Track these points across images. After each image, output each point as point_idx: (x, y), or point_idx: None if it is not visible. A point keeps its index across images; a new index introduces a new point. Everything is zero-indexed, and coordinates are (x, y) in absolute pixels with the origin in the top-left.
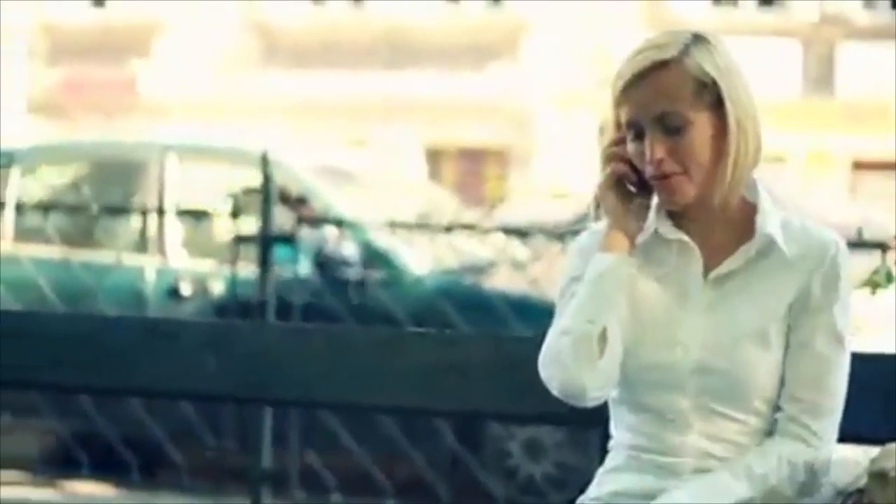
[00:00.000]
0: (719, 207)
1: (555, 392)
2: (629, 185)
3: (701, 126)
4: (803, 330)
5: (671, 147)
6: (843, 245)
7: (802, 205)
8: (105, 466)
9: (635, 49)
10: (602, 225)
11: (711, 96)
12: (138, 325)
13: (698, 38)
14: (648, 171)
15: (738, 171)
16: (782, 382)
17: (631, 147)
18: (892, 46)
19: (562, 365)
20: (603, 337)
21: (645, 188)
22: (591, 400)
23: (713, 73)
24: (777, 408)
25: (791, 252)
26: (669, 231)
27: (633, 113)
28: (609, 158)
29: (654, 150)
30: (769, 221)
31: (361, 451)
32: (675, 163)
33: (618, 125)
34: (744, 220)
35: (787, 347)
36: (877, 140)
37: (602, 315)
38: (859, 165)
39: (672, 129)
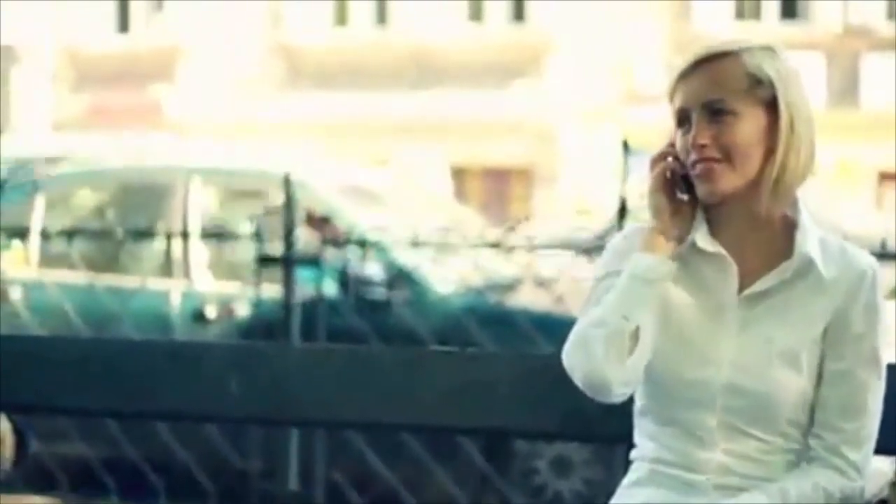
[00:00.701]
0: (761, 218)
1: (577, 382)
2: (678, 190)
3: (750, 120)
4: (843, 358)
5: (716, 134)
6: (879, 270)
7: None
8: (133, 491)
9: (699, 45)
10: (639, 226)
11: (767, 96)
12: (162, 349)
13: (765, 45)
14: (691, 157)
15: (788, 177)
16: (812, 407)
17: (678, 139)
18: None
19: (590, 356)
20: (635, 335)
21: (692, 192)
22: (615, 396)
23: (771, 73)
24: (813, 435)
25: (828, 274)
26: (708, 243)
27: (683, 100)
28: (658, 158)
29: (698, 135)
30: (809, 241)
31: (388, 471)
32: (717, 150)
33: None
34: (782, 237)
35: (821, 372)
36: None
37: (637, 313)
38: (885, 177)
39: (718, 116)
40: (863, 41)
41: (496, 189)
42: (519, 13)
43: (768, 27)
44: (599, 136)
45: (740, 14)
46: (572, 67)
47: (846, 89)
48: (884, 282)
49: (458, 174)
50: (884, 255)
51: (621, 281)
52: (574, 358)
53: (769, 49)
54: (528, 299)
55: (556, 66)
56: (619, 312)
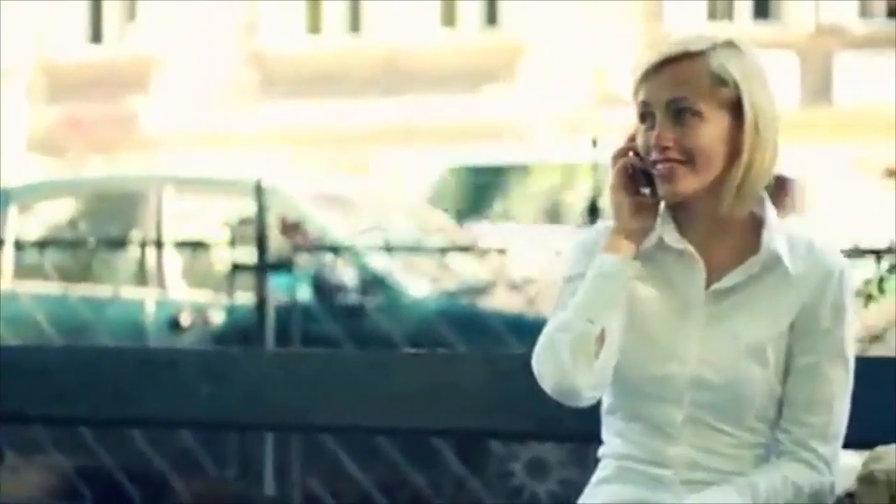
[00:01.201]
0: (727, 217)
1: (546, 388)
2: (641, 186)
3: (714, 122)
4: (811, 353)
5: (679, 135)
6: (847, 265)
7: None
8: (109, 500)
9: (665, 43)
10: (606, 223)
11: (731, 97)
12: (135, 356)
13: (729, 42)
14: (653, 155)
15: (752, 178)
16: (781, 402)
17: (640, 136)
18: (889, 55)
19: (558, 361)
20: (601, 338)
21: (654, 189)
22: (584, 400)
23: (736, 73)
24: (782, 429)
25: (796, 270)
26: (674, 240)
27: (647, 98)
28: (618, 155)
29: (661, 136)
30: (775, 237)
31: (363, 474)
32: (680, 152)
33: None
34: (749, 234)
35: (787, 367)
36: (876, 148)
37: (602, 316)
38: (892, 172)
39: (682, 117)
40: (835, 40)
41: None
42: (492, 17)
43: (741, 27)
44: (574, 139)
45: (713, 14)
46: (546, 70)
47: (819, 88)
48: (852, 278)
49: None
50: (855, 251)
51: (586, 283)
52: (543, 365)
53: (734, 47)
54: (501, 302)
55: (530, 70)
56: (584, 316)
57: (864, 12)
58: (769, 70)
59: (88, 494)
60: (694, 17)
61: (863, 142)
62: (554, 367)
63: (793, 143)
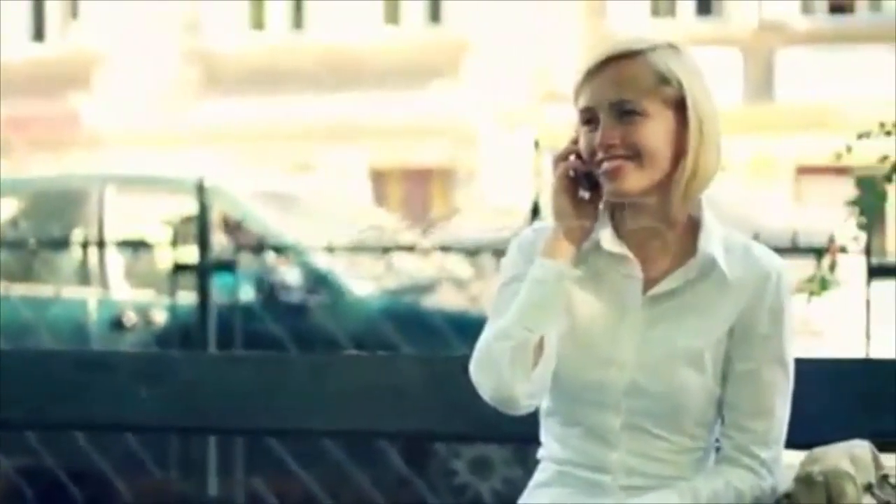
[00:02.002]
0: (668, 218)
1: (485, 396)
2: (581, 188)
3: (659, 121)
4: (750, 359)
5: (624, 134)
6: (784, 269)
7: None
8: (51, 500)
9: (606, 44)
10: (542, 225)
11: (674, 95)
12: (74, 359)
13: (670, 44)
14: (598, 155)
15: (699, 178)
16: (719, 406)
17: (582, 139)
18: (832, 51)
19: (496, 371)
20: (539, 346)
21: (596, 191)
22: (522, 409)
23: (678, 72)
24: (723, 435)
25: (733, 274)
26: (612, 244)
27: (590, 99)
28: (560, 158)
29: (607, 135)
30: (712, 241)
31: (307, 475)
32: (626, 149)
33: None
34: (687, 238)
35: (726, 372)
36: (819, 145)
37: (540, 323)
38: (802, 170)
39: (627, 117)
40: (778, 36)
41: (416, 190)
42: (435, 15)
43: (684, 24)
44: (517, 135)
45: (656, 12)
46: (489, 68)
47: (762, 84)
48: (791, 280)
49: (378, 176)
50: (795, 249)
51: (524, 289)
52: (481, 374)
53: (674, 48)
54: (445, 300)
55: (473, 67)
56: (522, 324)
57: (807, 9)
58: (712, 67)
59: (31, 495)
60: (637, 14)
61: (805, 139)
62: (492, 376)
63: (737, 139)
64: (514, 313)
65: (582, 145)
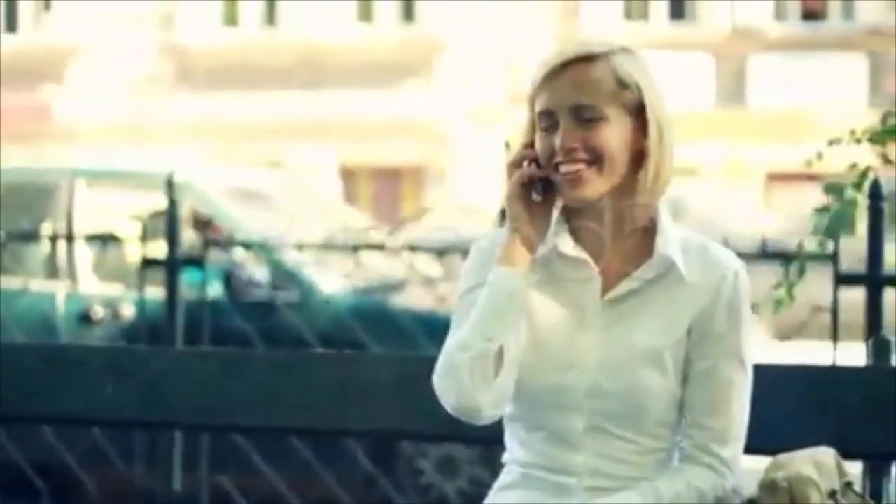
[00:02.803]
0: (625, 221)
1: (448, 408)
2: (535, 192)
3: (618, 125)
4: (707, 357)
5: (584, 138)
6: (742, 268)
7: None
8: (15, 493)
9: (563, 47)
10: (499, 231)
11: (632, 100)
12: (41, 353)
13: (625, 49)
14: (557, 158)
15: (660, 182)
16: (681, 406)
17: (540, 143)
18: (804, 58)
19: (458, 382)
20: (500, 354)
21: (549, 194)
22: (485, 418)
23: (637, 76)
24: (683, 434)
25: (690, 275)
26: (569, 248)
27: (549, 102)
28: (514, 164)
29: (566, 139)
30: (669, 242)
31: (273, 473)
32: (586, 152)
33: (531, 127)
34: (643, 240)
35: (686, 372)
36: (790, 151)
37: (500, 332)
38: (773, 177)
39: (587, 120)
40: (750, 42)
41: (387, 189)
42: (408, 13)
43: (657, 27)
44: (489, 135)
45: (629, 14)
46: (462, 67)
47: (734, 90)
48: (747, 281)
49: (349, 174)
50: (764, 254)
51: (482, 298)
52: (443, 384)
53: (630, 52)
54: (413, 299)
55: (446, 66)
56: (481, 334)
57: (780, 15)
58: (685, 71)
59: None
60: (610, 16)
61: (776, 144)
62: (454, 387)
63: (708, 144)
64: (473, 323)
65: (539, 148)
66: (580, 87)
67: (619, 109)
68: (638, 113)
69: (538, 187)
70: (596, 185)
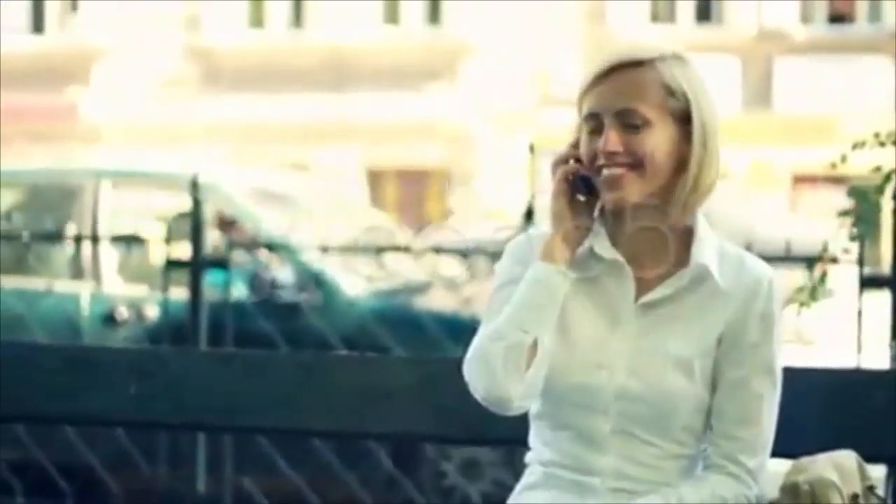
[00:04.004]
0: (663, 227)
1: (477, 396)
2: (578, 192)
3: (662, 131)
4: (739, 367)
5: (627, 143)
6: (776, 279)
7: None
8: (40, 494)
9: (614, 50)
10: (538, 231)
11: (679, 108)
12: (65, 354)
13: (676, 54)
14: (600, 161)
15: (700, 191)
16: (708, 413)
17: (584, 144)
18: (830, 61)
19: (490, 371)
20: (533, 347)
21: (592, 195)
22: (514, 409)
23: (684, 84)
24: (711, 442)
25: (725, 284)
26: (606, 250)
27: (595, 105)
28: (559, 162)
29: (610, 142)
30: (705, 250)
31: (296, 474)
32: (629, 157)
33: (579, 127)
34: (680, 247)
35: (714, 380)
36: (816, 154)
37: (535, 325)
38: (799, 180)
39: (631, 125)
40: (776, 45)
41: (412, 191)
42: (434, 16)
43: (683, 30)
44: (515, 138)
45: (655, 17)
46: (487, 70)
47: (760, 92)
48: (782, 289)
49: (375, 176)
50: (788, 258)
51: (520, 291)
52: (474, 373)
53: (680, 58)
54: (437, 302)
55: (472, 69)
56: (517, 325)
57: (806, 18)
58: (711, 74)
59: (19, 487)
60: (637, 19)
61: (802, 147)
62: (485, 376)
63: (734, 148)
64: (509, 314)
65: (583, 150)
66: (626, 92)
67: (665, 116)
68: (684, 121)
69: (581, 187)
70: (636, 190)
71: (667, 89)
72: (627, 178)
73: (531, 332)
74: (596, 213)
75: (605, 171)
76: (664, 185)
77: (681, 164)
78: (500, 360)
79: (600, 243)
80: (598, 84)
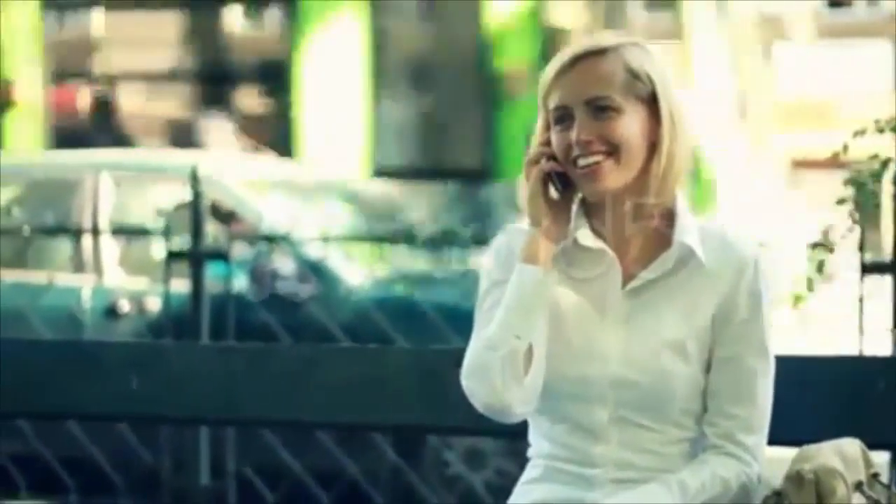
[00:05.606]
0: (644, 211)
1: (478, 406)
2: (553, 187)
3: (632, 115)
4: (730, 344)
5: (600, 130)
6: (762, 255)
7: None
8: (43, 488)
9: (573, 44)
10: (518, 227)
11: (645, 91)
12: (65, 348)
13: (634, 41)
14: (574, 152)
15: (674, 170)
16: (705, 395)
17: (556, 138)
18: (829, 46)
19: (488, 381)
20: (528, 352)
21: (568, 189)
22: (516, 416)
23: (647, 67)
24: (707, 423)
25: (710, 262)
26: (589, 240)
27: (562, 97)
28: (532, 162)
29: (582, 132)
30: (687, 231)
31: (299, 464)
32: (603, 145)
33: (545, 126)
34: (663, 230)
35: (710, 360)
36: (815, 139)
37: (527, 330)
38: (798, 164)
39: (602, 113)
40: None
41: None
42: None
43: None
44: None
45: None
46: None
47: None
48: (767, 267)
49: None
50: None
51: (507, 296)
52: (473, 384)
53: (641, 45)
54: (438, 291)
55: None
56: (510, 332)
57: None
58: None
59: (23, 482)
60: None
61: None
62: (484, 386)
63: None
64: (501, 321)
65: (555, 144)
66: (593, 80)
67: (633, 100)
68: (651, 104)
69: (557, 183)
70: (615, 177)
71: (632, 73)
72: (605, 166)
73: (524, 337)
74: (575, 205)
75: (581, 161)
76: (641, 169)
77: (653, 147)
78: (497, 370)
79: (583, 234)
80: (562, 76)
